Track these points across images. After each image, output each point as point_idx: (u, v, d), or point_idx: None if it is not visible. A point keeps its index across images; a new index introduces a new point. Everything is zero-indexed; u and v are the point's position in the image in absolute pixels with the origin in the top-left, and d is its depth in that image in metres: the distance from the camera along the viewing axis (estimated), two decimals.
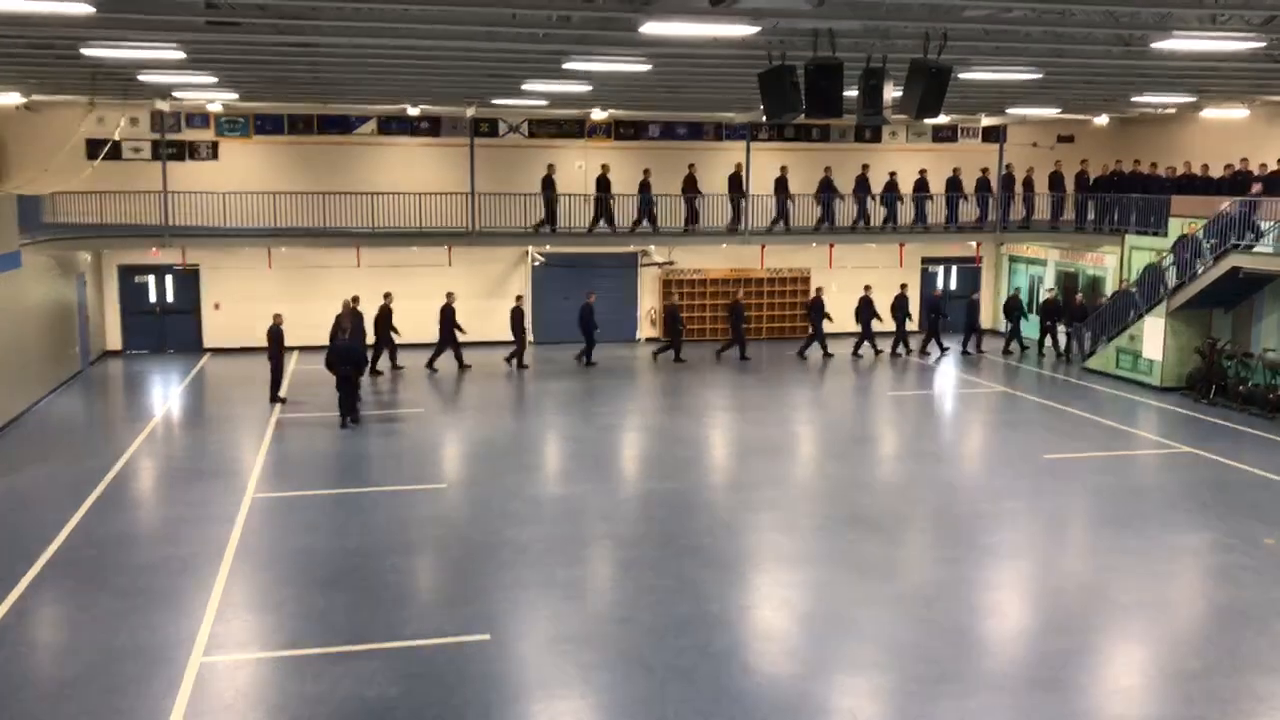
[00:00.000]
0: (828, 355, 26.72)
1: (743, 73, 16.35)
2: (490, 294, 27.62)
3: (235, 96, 22.73)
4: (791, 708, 8.90)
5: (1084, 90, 20.52)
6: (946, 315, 27.43)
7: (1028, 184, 28.66)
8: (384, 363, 24.14)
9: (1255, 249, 20.55)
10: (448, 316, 24.45)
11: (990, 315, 30.44)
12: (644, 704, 8.94)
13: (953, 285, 30.64)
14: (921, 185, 28.35)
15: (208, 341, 27.09)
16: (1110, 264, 26.70)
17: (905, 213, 28.37)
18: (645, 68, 15.85)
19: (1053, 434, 18.86)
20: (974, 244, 30.25)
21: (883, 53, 12.61)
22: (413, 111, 26.44)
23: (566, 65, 15.46)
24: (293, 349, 24.27)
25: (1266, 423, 19.68)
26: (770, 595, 11.47)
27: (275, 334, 20.89)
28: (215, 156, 26.67)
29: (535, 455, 17.66)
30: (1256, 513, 14.27)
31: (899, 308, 27.01)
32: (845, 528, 13.60)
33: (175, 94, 22.02)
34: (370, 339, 23.52)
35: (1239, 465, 16.73)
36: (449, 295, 24.76)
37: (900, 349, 27.09)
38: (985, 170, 28.99)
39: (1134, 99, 22.53)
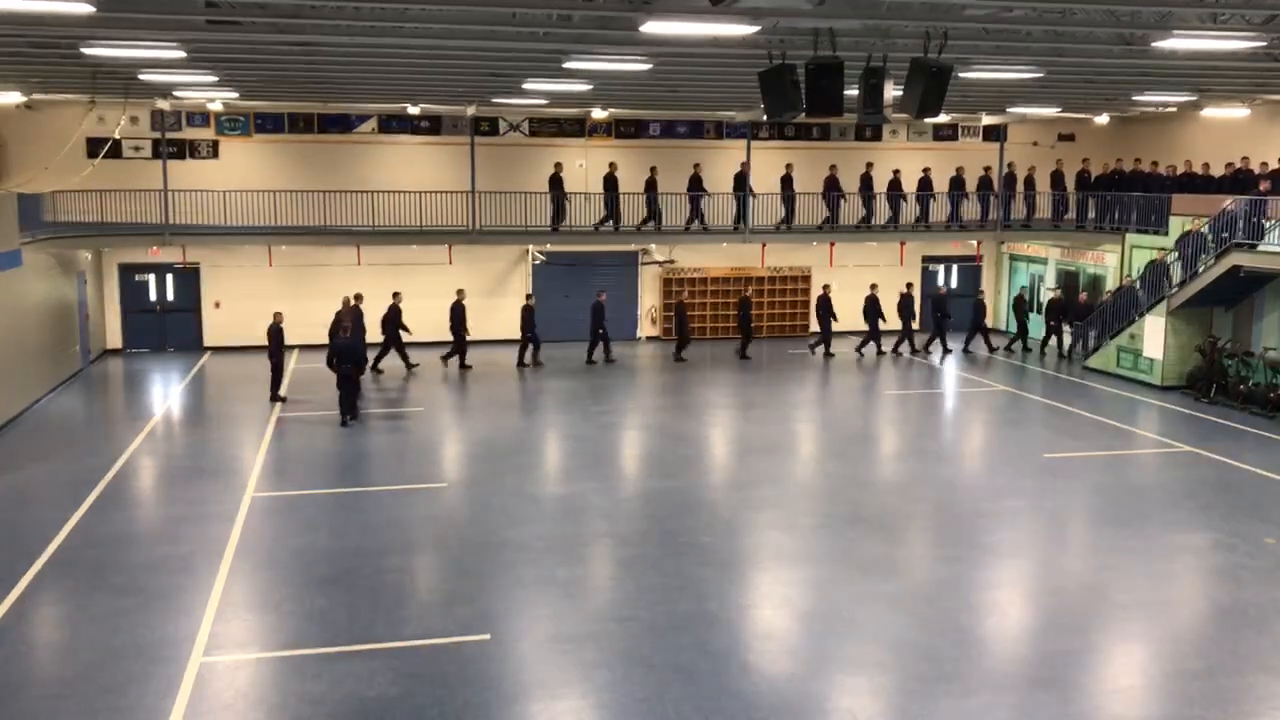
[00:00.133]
0: (829, 355, 26.71)
1: (743, 72, 16.34)
2: (490, 293, 27.62)
3: (236, 95, 22.73)
4: (792, 706, 8.90)
5: (1085, 89, 20.52)
6: (950, 315, 27.43)
7: (1029, 183, 28.64)
8: (387, 362, 24.13)
9: (1260, 248, 20.45)
10: (458, 314, 24.49)
11: (992, 314, 30.40)
12: (644, 703, 8.94)
13: (954, 284, 30.62)
14: (926, 184, 28.33)
15: (208, 340, 27.10)
16: (1111, 262, 26.69)
17: (909, 212, 28.35)
18: (646, 67, 15.84)
19: (1053, 433, 18.85)
20: (974, 242, 30.24)
21: (883, 52, 12.60)
22: (413, 110, 26.45)
23: (567, 64, 15.46)
24: (293, 347, 24.30)
25: (1267, 421, 19.67)
26: (771, 594, 11.47)
27: (275, 332, 20.89)
28: (216, 155, 26.68)
29: (535, 454, 17.66)
30: (1257, 512, 14.27)
31: (905, 307, 27.04)
32: (845, 526, 13.60)
33: (176, 93, 22.02)
34: (380, 337, 23.66)
35: (1240, 464, 16.72)
36: (459, 293, 24.82)
37: (903, 348, 27.10)
38: (988, 169, 28.97)
39: (1135, 98, 22.52)
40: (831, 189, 27.77)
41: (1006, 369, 25.34)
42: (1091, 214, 27.50)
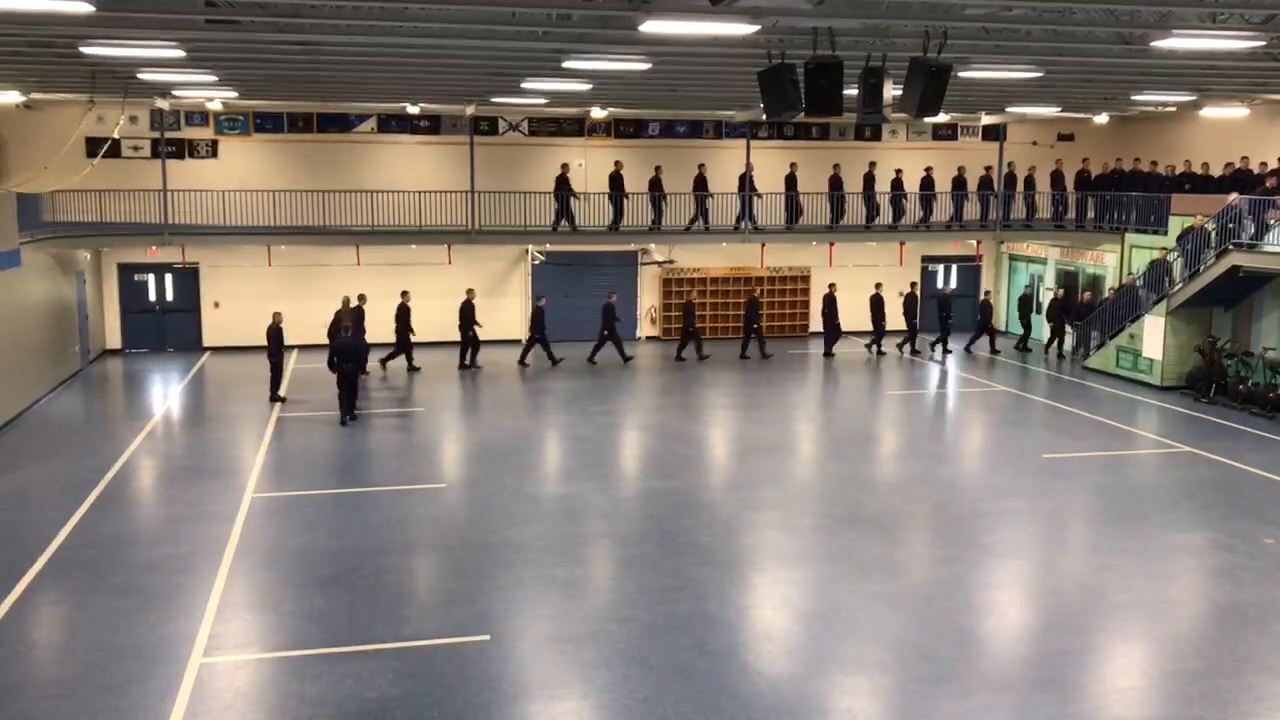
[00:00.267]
0: (828, 355, 26.73)
1: (742, 71, 16.34)
2: (489, 292, 27.58)
3: (235, 95, 22.71)
4: (791, 707, 8.90)
5: (1084, 89, 20.52)
6: (952, 315, 27.45)
7: (1029, 182, 28.64)
8: (388, 361, 24.15)
9: (1265, 247, 20.40)
10: (467, 313, 24.51)
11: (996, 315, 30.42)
12: (644, 703, 8.93)
13: (953, 284, 30.61)
14: (928, 184, 28.33)
15: (207, 340, 27.10)
16: (1110, 262, 26.68)
17: (911, 212, 28.35)
18: (645, 66, 15.84)
19: (1053, 433, 18.86)
20: (974, 242, 30.23)
21: (882, 51, 12.60)
22: (412, 110, 26.44)
23: (566, 64, 15.45)
24: (292, 347, 24.30)
25: (1266, 422, 19.67)
26: (770, 594, 11.47)
27: (275, 332, 20.89)
28: (215, 155, 26.67)
29: (535, 454, 17.65)
30: (1257, 512, 14.27)
31: (910, 306, 27.07)
32: (845, 526, 13.60)
33: (175, 92, 22.00)
34: (391, 336, 23.84)
35: (1239, 465, 16.72)
36: (469, 292, 24.89)
37: (905, 347, 27.13)
38: (989, 169, 28.97)
39: (1134, 97, 22.52)
40: (835, 189, 27.79)
41: (1006, 369, 25.34)
42: (1091, 214, 27.49)
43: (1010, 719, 8.80)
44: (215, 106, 25.81)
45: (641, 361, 25.85)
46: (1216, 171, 24.39)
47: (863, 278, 28.08)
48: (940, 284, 30.30)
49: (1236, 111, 24.48)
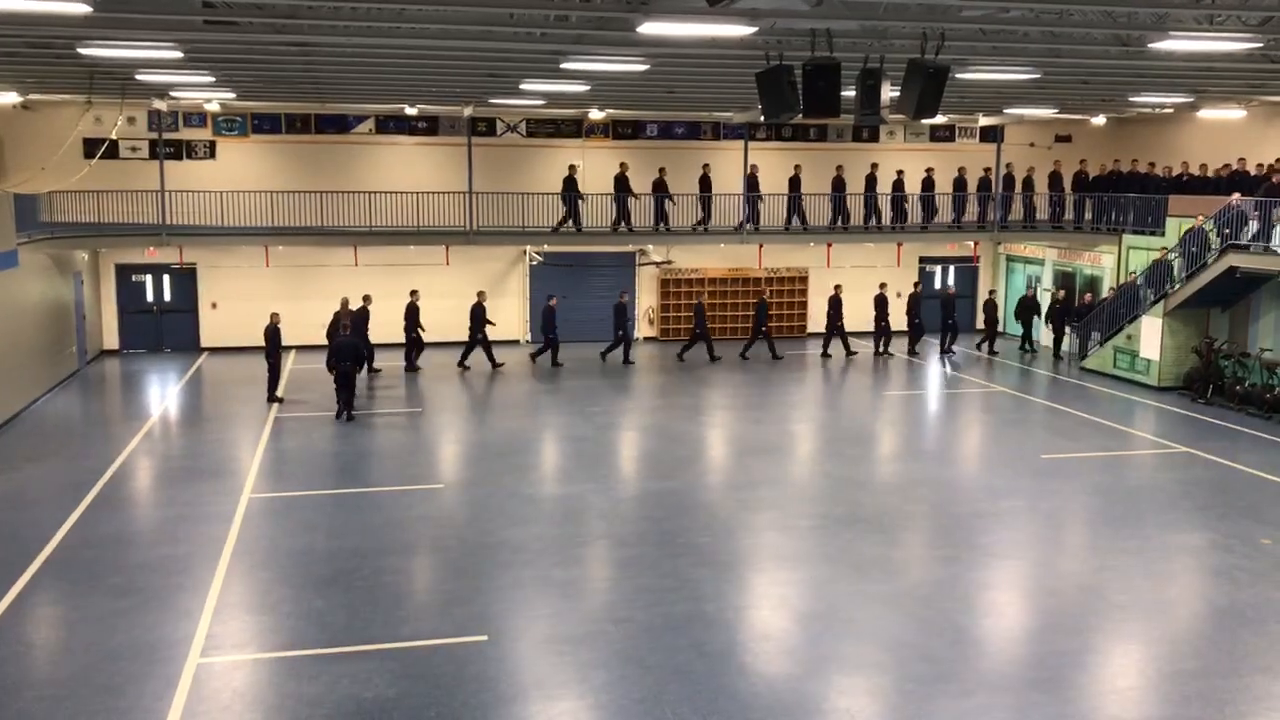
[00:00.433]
0: (826, 355, 26.75)
1: (740, 73, 16.35)
2: (488, 293, 27.55)
3: (233, 96, 22.72)
4: (789, 707, 8.90)
5: (1081, 90, 20.53)
6: (954, 317, 27.52)
7: (1027, 183, 28.67)
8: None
9: (1274, 246, 20.35)
10: (478, 315, 24.55)
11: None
12: (642, 704, 8.94)
13: (949, 284, 30.60)
14: (928, 185, 28.36)
15: (205, 341, 27.09)
16: (1108, 264, 26.71)
17: (912, 213, 28.39)
18: (643, 67, 15.85)
19: (1050, 434, 18.87)
20: (971, 243, 30.26)
21: (880, 53, 12.63)
22: (410, 111, 26.45)
23: (564, 65, 15.46)
24: (290, 348, 24.28)
25: (1263, 422, 19.70)
26: (768, 594, 11.47)
27: (273, 333, 20.90)
28: (213, 156, 26.67)
29: (533, 454, 17.65)
30: (1254, 513, 14.29)
31: (913, 307, 27.10)
32: (843, 527, 13.60)
33: (173, 93, 22.00)
34: (393, 337, 24.01)
35: (1236, 465, 16.75)
36: (480, 294, 24.98)
37: (907, 348, 27.21)
38: (988, 170, 28.99)
39: (1131, 99, 22.55)
40: (838, 190, 27.83)
41: (1004, 370, 25.36)
42: (1088, 215, 27.52)
43: (1008, 719, 8.82)
44: (213, 108, 25.81)
45: (640, 362, 25.84)
46: (1214, 173, 24.41)
47: (861, 279, 28.07)
48: (939, 284, 30.35)
49: (1233, 113, 24.51)
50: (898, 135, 30.18)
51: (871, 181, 28.02)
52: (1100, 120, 28.66)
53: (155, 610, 10.83)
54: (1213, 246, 21.44)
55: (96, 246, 25.43)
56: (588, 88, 19.66)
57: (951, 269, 30.98)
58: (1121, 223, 25.96)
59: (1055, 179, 28.47)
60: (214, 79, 18.70)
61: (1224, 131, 25.67)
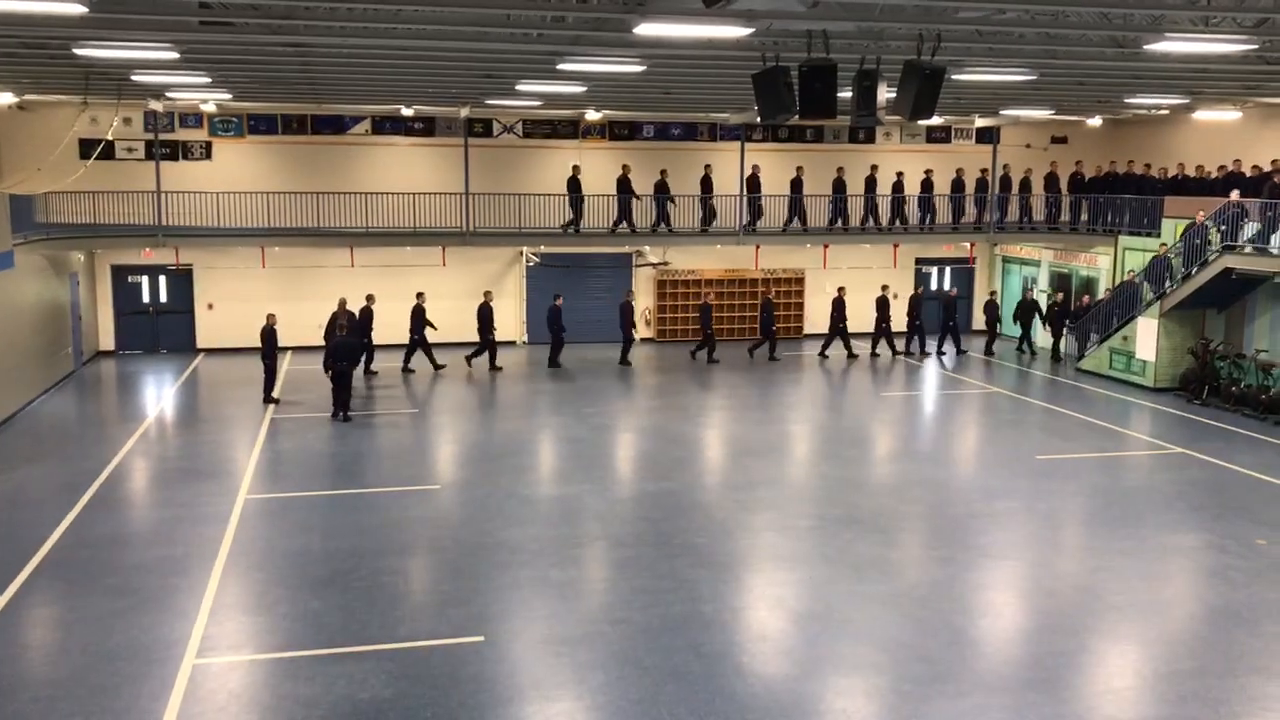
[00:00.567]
0: (823, 356, 26.78)
1: (737, 74, 16.37)
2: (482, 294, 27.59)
3: (229, 96, 22.70)
4: (786, 708, 8.91)
5: (1077, 91, 20.56)
6: (955, 319, 27.57)
7: (1024, 185, 28.71)
8: (369, 363, 24.19)
9: (1265, 249, 20.34)
10: (485, 315, 24.57)
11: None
12: (639, 705, 8.94)
13: (946, 286, 30.67)
14: (928, 186, 28.41)
15: (201, 342, 27.06)
16: (1104, 265, 26.75)
17: (910, 214, 28.43)
18: (639, 69, 15.86)
19: (1046, 434, 18.90)
20: (968, 244, 30.29)
21: (876, 54, 12.63)
22: (407, 112, 26.44)
23: (561, 66, 15.46)
24: (286, 349, 24.26)
25: (1259, 423, 19.73)
26: (765, 595, 11.48)
27: (269, 334, 20.89)
28: (209, 156, 26.65)
29: (530, 455, 17.65)
30: (1249, 513, 14.32)
31: (914, 309, 27.14)
32: (840, 528, 13.61)
33: (169, 94, 21.98)
34: (395, 338, 24.10)
35: (1231, 466, 16.78)
36: (486, 294, 25.09)
37: (913, 346, 27.22)
38: (984, 171, 29.03)
39: (1127, 100, 22.59)
40: (839, 191, 27.86)
41: (1000, 371, 25.39)
42: (1084, 216, 27.56)
43: (1005, 719, 8.82)
44: (209, 108, 25.79)
45: (637, 363, 25.84)
46: (1209, 174, 24.46)
47: (858, 280, 28.06)
48: (934, 286, 30.40)
49: (1229, 115, 24.55)
50: (894, 136, 30.21)
51: (871, 183, 28.06)
52: (1096, 121, 28.71)
53: (151, 611, 10.82)
54: (1213, 244, 21.44)
55: (92, 247, 25.40)
56: (584, 89, 19.66)
57: (948, 270, 31.01)
58: (1117, 224, 26.00)
59: (1051, 180, 28.53)
60: (210, 80, 18.69)
61: (1219, 133, 25.72)
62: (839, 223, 28.05)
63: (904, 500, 14.98)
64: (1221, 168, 24.14)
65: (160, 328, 27.00)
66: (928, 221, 28.57)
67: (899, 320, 27.51)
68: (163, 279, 26.93)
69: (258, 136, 26.81)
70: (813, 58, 11.60)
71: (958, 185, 28.60)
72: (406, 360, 24.41)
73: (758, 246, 28.22)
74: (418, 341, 24.20)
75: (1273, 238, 20.31)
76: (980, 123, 29.40)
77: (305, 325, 25.20)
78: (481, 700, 9.00)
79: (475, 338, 25.29)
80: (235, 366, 24.84)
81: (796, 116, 11.98)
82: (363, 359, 22.82)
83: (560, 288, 27.30)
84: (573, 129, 28.16)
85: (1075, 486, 15.61)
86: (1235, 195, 21.52)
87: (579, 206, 26.16)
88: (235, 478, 15.79)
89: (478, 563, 12.28)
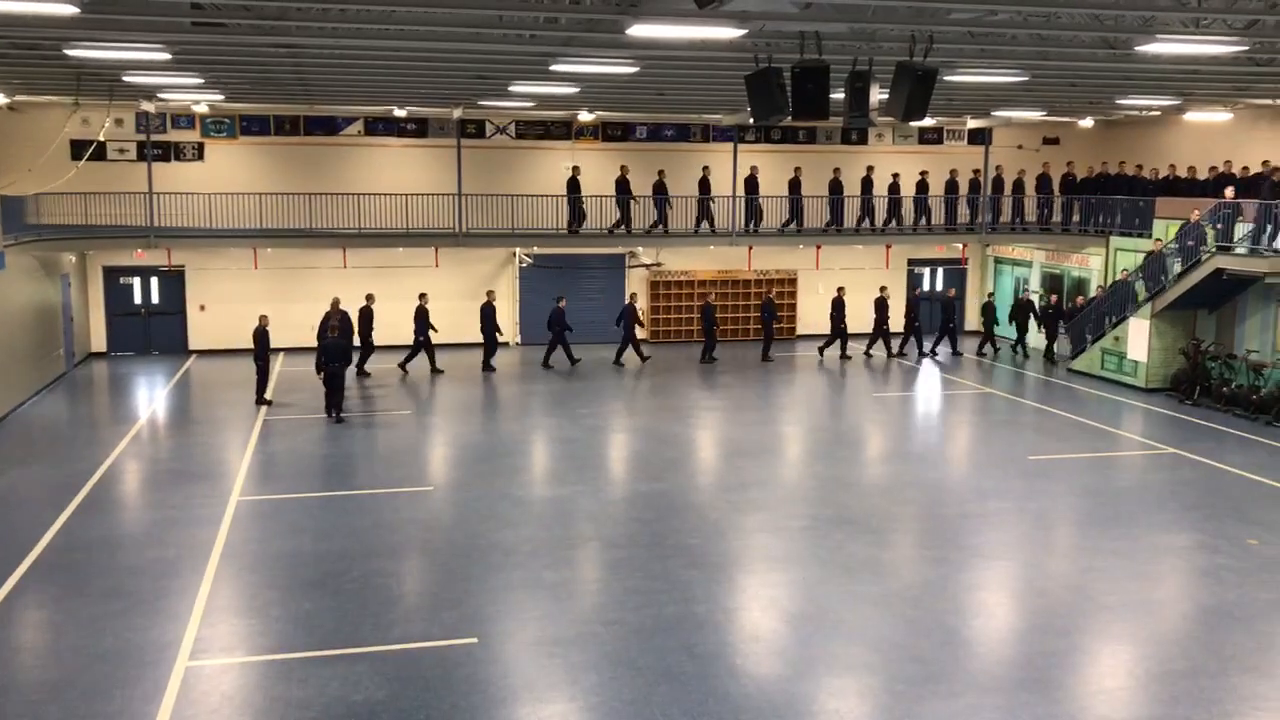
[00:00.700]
0: (826, 354, 26.85)
1: (730, 75, 16.39)
2: (477, 295, 27.51)
3: (221, 98, 22.66)
4: (779, 708, 8.91)
5: (1069, 93, 20.63)
6: (954, 320, 27.64)
7: (1017, 186, 28.78)
8: (363, 362, 24.16)
9: (1256, 249, 20.36)
10: (488, 315, 24.57)
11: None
12: (632, 706, 8.94)
13: (938, 286, 30.72)
14: (923, 187, 28.46)
15: (193, 343, 26.99)
16: (1095, 265, 26.82)
17: (906, 214, 28.48)
18: (632, 70, 15.86)
19: (1038, 435, 18.94)
20: (960, 245, 30.36)
21: (869, 55, 12.66)
22: (399, 113, 26.42)
23: (554, 67, 15.46)
24: (279, 350, 24.21)
25: (1249, 423, 19.80)
26: (758, 596, 11.48)
27: (261, 335, 20.85)
28: (201, 158, 26.59)
29: (523, 456, 17.64)
30: (1240, 513, 14.36)
31: (913, 310, 27.18)
32: (832, 528, 13.63)
33: (161, 95, 21.93)
34: (396, 339, 24.27)
35: (1223, 466, 16.83)
36: (489, 294, 25.07)
37: (908, 348, 27.30)
38: (977, 172, 29.09)
39: (1119, 101, 22.66)
40: (835, 192, 27.89)
41: (991, 371, 25.44)
42: (1076, 217, 27.63)
43: (997, 719, 8.84)
44: (201, 109, 25.74)
45: (630, 363, 25.83)
46: (1201, 175, 24.54)
47: (850, 281, 28.06)
48: (927, 286, 30.46)
49: (1220, 116, 24.65)
50: (886, 138, 30.25)
51: (867, 184, 28.09)
52: (1088, 123, 28.79)
53: (143, 613, 10.79)
54: (1209, 241, 21.47)
55: (84, 249, 25.33)
56: (577, 90, 19.66)
57: (940, 271, 31.07)
58: (1109, 225, 26.07)
59: (1043, 181, 28.60)
60: (202, 81, 18.66)
61: (1210, 134, 25.81)
62: (838, 223, 28.06)
63: (896, 501, 15.00)
64: (1213, 169, 24.22)
65: (152, 329, 26.93)
66: (923, 222, 28.63)
67: (896, 321, 27.55)
68: (155, 280, 26.86)
69: (250, 137, 26.76)
70: (805, 59, 11.62)
71: (951, 186, 28.66)
72: (407, 360, 24.35)
73: (750, 248, 28.25)
74: (422, 343, 24.20)
75: (1263, 238, 20.35)
76: (972, 124, 29.49)
77: (298, 326, 25.16)
78: (474, 702, 9.00)
79: (469, 338, 25.26)
80: (227, 368, 24.78)
81: (789, 118, 12.00)
82: (355, 359, 22.77)
83: (554, 289, 27.32)
84: (566, 130, 28.16)
85: (1067, 487, 15.65)
86: (1230, 193, 21.58)
87: (579, 207, 26.13)
88: (227, 479, 15.76)
89: (471, 564, 12.27)
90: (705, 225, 27.16)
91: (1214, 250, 21.21)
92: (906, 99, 11.67)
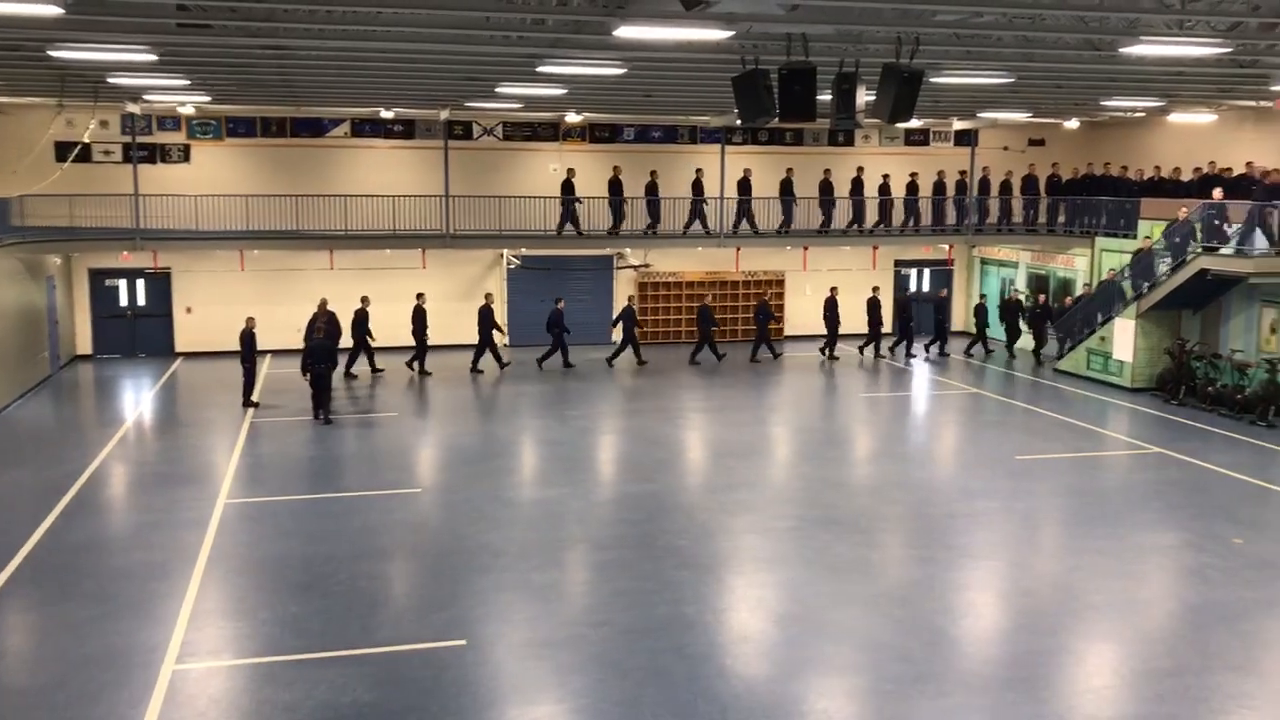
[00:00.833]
0: (822, 353, 26.89)
1: (716, 77, 16.40)
2: (464, 296, 27.52)
3: (207, 99, 22.57)
4: (768, 709, 8.93)
5: (1054, 94, 20.71)
6: (949, 320, 27.75)
7: (1004, 187, 28.88)
8: (414, 364, 24.19)
9: (1242, 249, 20.47)
10: (486, 317, 24.53)
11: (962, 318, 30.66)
12: (621, 707, 8.94)
13: (925, 287, 30.82)
14: (912, 188, 28.54)
15: (180, 345, 26.87)
16: (1081, 266, 26.94)
17: (894, 216, 28.55)
18: (619, 71, 15.86)
19: (1025, 435, 19.01)
20: (946, 246, 30.45)
21: (855, 57, 12.68)
22: (386, 114, 26.36)
23: (541, 68, 15.45)
24: (265, 352, 24.13)
25: (1234, 423, 19.91)
26: (746, 597, 11.50)
27: (248, 337, 20.78)
28: (187, 159, 26.48)
29: (511, 458, 17.63)
30: (1225, 512, 14.44)
31: (905, 311, 27.26)
32: (820, 529, 13.65)
33: (146, 96, 21.83)
34: (393, 340, 24.22)
35: (1208, 465, 16.92)
36: (487, 296, 25.10)
37: (899, 349, 27.34)
38: (963, 173, 29.19)
39: (1104, 103, 22.76)
40: (826, 194, 27.95)
41: (979, 372, 25.53)
42: (1061, 218, 27.74)
43: (985, 719, 8.88)
44: (187, 111, 25.63)
45: (620, 364, 25.82)
46: (1185, 176, 24.67)
47: (838, 282, 28.11)
48: (913, 287, 30.56)
49: (1204, 117, 24.78)
50: (873, 139, 30.32)
51: (858, 186, 28.15)
52: (1073, 124, 28.91)
53: (130, 617, 10.74)
54: (1198, 240, 21.54)
55: (69, 251, 25.20)
56: (565, 91, 19.65)
57: (927, 272, 31.16)
58: (1094, 225, 26.18)
59: (1029, 182, 28.71)
60: (188, 82, 18.58)
61: (1195, 135, 25.95)
62: (825, 225, 28.12)
63: (884, 501, 15.04)
64: (1197, 169, 24.35)
65: (138, 331, 26.80)
66: (911, 223, 28.70)
67: (888, 322, 27.60)
68: (140, 282, 26.74)
69: (236, 139, 26.66)
70: (792, 60, 11.65)
71: (938, 188, 28.75)
72: (412, 360, 24.38)
73: (738, 249, 28.28)
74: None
75: (1254, 236, 20.43)
76: (958, 125, 29.58)
77: (285, 328, 25.05)
78: (463, 704, 8.99)
79: (456, 340, 25.21)
80: (214, 370, 24.68)
81: (776, 119, 12.02)
82: (341, 361, 22.71)
83: (542, 290, 27.31)
84: (553, 132, 28.14)
85: (1054, 486, 15.72)
86: (1218, 194, 21.68)
87: (572, 209, 26.12)
88: (215, 482, 15.70)
89: (459, 566, 12.25)
90: (698, 226, 27.15)
91: (1199, 250, 21.33)
92: (893, 101, 11.71)
